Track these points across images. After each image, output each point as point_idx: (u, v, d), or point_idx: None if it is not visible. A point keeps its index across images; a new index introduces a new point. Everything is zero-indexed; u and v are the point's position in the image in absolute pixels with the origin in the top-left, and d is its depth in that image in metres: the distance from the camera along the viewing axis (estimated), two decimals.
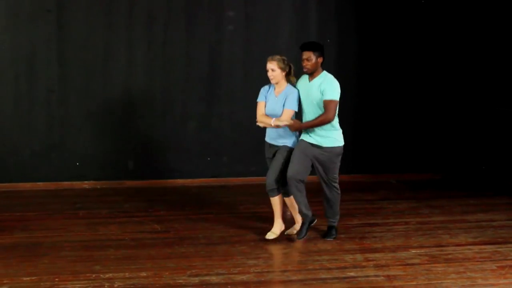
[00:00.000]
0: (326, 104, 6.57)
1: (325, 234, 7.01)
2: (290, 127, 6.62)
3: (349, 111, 10.21)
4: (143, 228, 7.34)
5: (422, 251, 6.58)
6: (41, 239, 6.85)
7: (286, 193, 6.96)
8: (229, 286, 5.53)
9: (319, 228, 7.30)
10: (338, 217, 7.09)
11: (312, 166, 6.80)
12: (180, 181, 9.78)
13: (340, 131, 6.84)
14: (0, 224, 7.47)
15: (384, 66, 10.28)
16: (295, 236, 7.00)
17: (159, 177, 9.76)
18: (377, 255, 6.43)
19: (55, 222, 7.56)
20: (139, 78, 9.66)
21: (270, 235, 6.86)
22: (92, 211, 8.11)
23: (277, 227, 6.92)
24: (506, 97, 9.91)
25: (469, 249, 6.66)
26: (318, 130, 6.67)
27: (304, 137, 6.76)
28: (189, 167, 9.83)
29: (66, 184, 9.49)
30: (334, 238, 6.93)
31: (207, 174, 9.87)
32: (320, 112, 6.64)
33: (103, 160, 9.61)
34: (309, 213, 6.87)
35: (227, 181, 9.82)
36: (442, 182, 10.16)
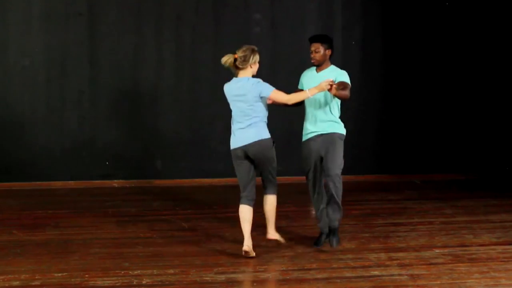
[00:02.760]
0: (346, 84, 6.40)
1: (329, 239, 6.57)
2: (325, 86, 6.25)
3: (373, 112, 10.27)
4: (171, 226, 7.43)
5: (446, 250, 6.56)
6: (72, 236, 6.97)
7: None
8: (254, 284, 5.58)
9: (342, 228, 7.36)
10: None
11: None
12: (207, 181, 9.88)
13: (342, 125, 6.64)
14: (33, 221, 7.64)
15: (409, 67, 10.29)
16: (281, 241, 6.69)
17: (186, 176, 9.87)
18: (401, 254, 6.43)
19: (86, 220, 7.69)
20: (168, 79, 9.79)
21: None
22: (121, 210, 8.23)
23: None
24: None
25: (493, 249, 6.63)
26: (323, 123, 6.52)
27: (308, 134, 6.60)
28: (216, 167, 9.92)
29: (96, 182, 9.64)
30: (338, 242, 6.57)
31: (234, 174, 9.92)
32: (323, 103, 6.51)
33: (132, 159, 9.75)
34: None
35: None
36: (466, 182, 10.14)
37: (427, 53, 10.31)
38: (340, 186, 6.56)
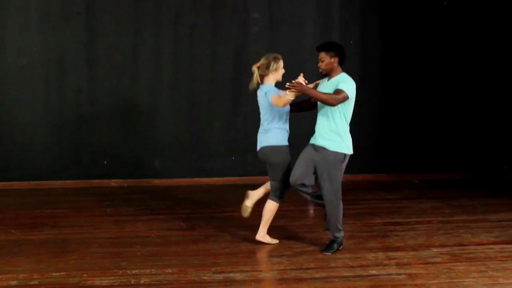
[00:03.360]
0: (336, 91, 6.23)
1: (324, 248, 6.55)
2: (295, 87, 6.20)
3: (372, 112, 10.29)
4: (169, 226, 7.44)
5: (444, 250, 6.59)
6: (70, 236, 6.98)
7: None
8: (253, 283, 5.59)
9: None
10: (337, 231, 6.52)
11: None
12: (205, 180, 9.89)
13: (348, 140, 6.42)
14: (31, 221, 7.64)
15: (407, 67, 10.31)
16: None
17: (185, 176, 9.88)
18: (399, 253, 6.46)
19: (84, 220, 7.70)
20: (166, 79, 9.80)
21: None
22: (120, 209, 8.23)
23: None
24: None
25: (491, 248, 6.67)
26: (324, 133, 6.40)
27: (312, 140, 6.58)
28: (215, 166, 9.95)
29: (94, 182, 9.65)
30: (333, 252, 6.46)
31: (232, 173, 9.97)
32: (329, 112, 6.36)
33: (130, 159, 9.76)
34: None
35: (252, 180, 9.89)
36: (464, 182, 10.16)
37: (425, 52, 10.33)
38: (333, 211, 6.49)
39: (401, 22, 10.25)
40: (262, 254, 6.41)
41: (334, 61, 6.42)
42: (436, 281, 5.71)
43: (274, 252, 6.48)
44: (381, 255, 6.42)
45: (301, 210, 8.39)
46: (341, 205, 6.52)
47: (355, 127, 10.16)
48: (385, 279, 5.75)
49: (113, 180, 9.73)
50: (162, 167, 9.84)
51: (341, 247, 6.53)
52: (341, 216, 6.52)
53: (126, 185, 9.68)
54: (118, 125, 9.72)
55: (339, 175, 6.48)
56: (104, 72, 9.63)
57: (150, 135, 9.80)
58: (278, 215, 7.88)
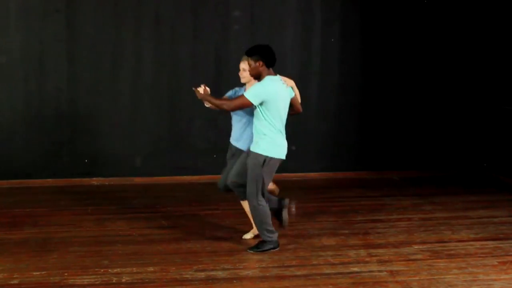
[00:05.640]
0: (240, 96, 6.19)
1: (253, 246, 6.51)
2: (197, 92, 6.39)
3: (353, 109, 10.33)
4: (151, 224, 7.43)
5: (425, 247, 6.64)
6: (50, 235, 6.94)
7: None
8: (234, 281, 5.61)
9: (321, 225, 7.40)
10: (266, 233, 6.39)
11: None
12: (187, 178, 9.88)
13: (271, 143, 6.21)
14: (11, 220, 7.59)
15: (387, 65, 10.35)
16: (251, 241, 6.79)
17: (166, 173, 9.86)
18: (380, 250, 6.50)
19: (64, 218, 7.66)
20: (147, 77, 9.77)
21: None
22: (101, 207, 8.19)
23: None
24: (509, 96, 9.96)
25: (471, 245, 6.73)
26: (253, 136, 6.35)
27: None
28: (196, 164, 9.93)
29: (75, 180, 9.60)
30: (257, 251, 6.38)
31: (213, 171, 9.95)
32: (256, 115, 6.27)
33: (111, 157, 9.72)
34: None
35: None
36: (444, 179, 10.20)
37: (406, 50, 10.37)
38: (255, 214, 6.40)
39: (382, 20, 10.27)
40: (243, 252, 6.41)
41: (259, 64, 6.24)
42: (417, 278, 5.76)
43: None
44: (362, 252, 6.45)
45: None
46: (264, 208, 6.30)
47: (335, 125, 10.34)
48: (367, 276, 5.79)
49: (94, 178, 9.69)
50: (143, 165, 9.81)
51: (276, 248, 6.41)
52: (267, 219, 6.34)
53: (107, 183, 9.64)
54: (98, 123, 9.67)
55: (260, 178, 6.23)
56: (85, 70, 9.57)
57: (131, 133, 9.77)
58: None
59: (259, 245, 6.44)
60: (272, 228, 6.43)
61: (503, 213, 8.06)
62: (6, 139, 9.44)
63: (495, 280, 5.73)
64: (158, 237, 6.92)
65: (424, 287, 5.54)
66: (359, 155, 10.31)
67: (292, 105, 6.48)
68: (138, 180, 9.74)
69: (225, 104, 6.23)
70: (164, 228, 7.30)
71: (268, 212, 6.38)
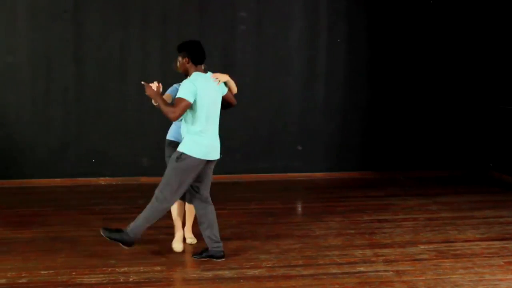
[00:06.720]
0: (175, 101, 6.01)
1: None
2: (147, 88, 6.25)
3: (358, 109, 10.33)
4: (158, 224, 7.41)
5: (431, 246, 6.64)
6: (58, 234, 6.98)
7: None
8: (241, 281, 5.63)
9: (327, 225, 7.41)
10: (135, 229, 6.09)
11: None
12: None
13: (190, 140, 6.05)
14: (19, 219, 7.63)
15: (393, 65, 10.35)
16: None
17: None
18: (386, 250, 6.50)
19: (72, 218, 7.69)
20: (154, 76, 9.73)
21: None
22: (108, 207, 8.24)
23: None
24: None
25: (477, 245, 6.73)
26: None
27: None
28: None
29: (82, 180, 9.64)
30: (120, 243, 6.08)
31: (220, 171, 9.93)
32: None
33: (118, 156, 9.75)
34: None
35: (239, 178, 9.92)
36: (450, 179, 10.21)
37: (412, 51, 10.37)
38: (150, 207, 6.15)
39: (388, 20, 10.27)
40: (250, 252, 6.42)
41: (186, 61, 6.19)
42: (423, 278, 5.75)
43: (262, 249, 6.50)
44: (368, 252, 6.45)
45: (288, 207, 8.41)
46: (159, 207, 6.12)
47: (341, 125, 10.34)
48: (373, 276, 5.79)
49: (101, 178, 9.73)
50: (150, 165, 9.83)
51: (127, 246, 6.09)
52: (153, 220, 6.14)
53: (114, 183, 9.67)
54: (105, 123, 9.71)
55: (170, 173, 6.05)
56: (92, 70, 9.61)
57: (138, 133, 9.79)
58: (265, 213, 7.93)
59: (113, 233, 6.05)
60: (149, 223, 6.12)
61: (509, 213, 8.05)
62: (14, 139, 9.48)
63: (501, 280, 5.73)
64: (165, 236, 6.93)
65: (430, 287, 5.54)
66: (365, 155, 10.32)
67: (224, 100, 6.33)
68: (144, 179, 9.77)
69: (170, 112, 5.89)
70: (171, 227, 7.29)
71: (159, 215, 6.13)
